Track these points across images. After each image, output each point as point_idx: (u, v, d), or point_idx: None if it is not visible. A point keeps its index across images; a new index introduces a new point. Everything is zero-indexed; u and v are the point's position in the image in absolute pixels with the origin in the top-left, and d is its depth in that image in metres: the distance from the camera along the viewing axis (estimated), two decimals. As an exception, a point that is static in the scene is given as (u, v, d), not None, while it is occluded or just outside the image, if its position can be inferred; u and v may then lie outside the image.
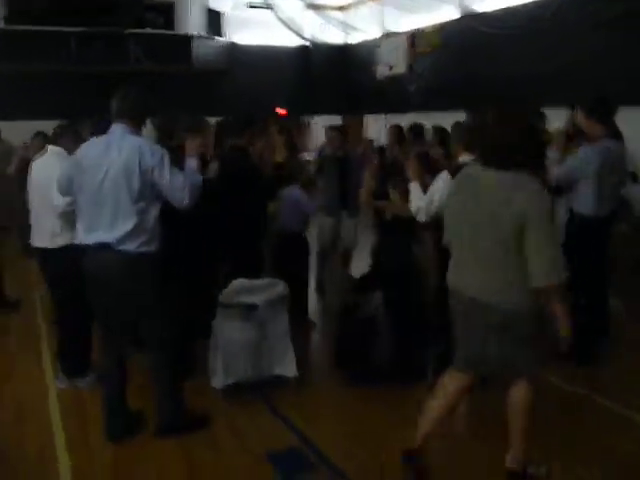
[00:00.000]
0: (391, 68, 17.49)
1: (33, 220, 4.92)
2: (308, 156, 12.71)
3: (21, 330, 6.35)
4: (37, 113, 17.15)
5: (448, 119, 18.07)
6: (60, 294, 4.86)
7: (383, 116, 20.32)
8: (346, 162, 7.09)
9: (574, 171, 5.09)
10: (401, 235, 5.10)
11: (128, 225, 3.83)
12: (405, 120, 18.78)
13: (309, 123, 22.72)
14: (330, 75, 20.90)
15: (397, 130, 8.02)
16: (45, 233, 4.77)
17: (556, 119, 14.39)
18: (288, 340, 4.82)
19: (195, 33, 18.96)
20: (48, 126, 17.95)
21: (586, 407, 4.59)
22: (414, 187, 4.80)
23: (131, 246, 3.86)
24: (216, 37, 19.62)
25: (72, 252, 4.61)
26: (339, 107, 21.26)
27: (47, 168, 4.71)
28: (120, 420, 4.19)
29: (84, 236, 3.98)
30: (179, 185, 3.93)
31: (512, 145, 3.19)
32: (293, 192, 5.82)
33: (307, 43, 21.44)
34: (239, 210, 4.96)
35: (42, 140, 6.67)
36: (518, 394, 3.49)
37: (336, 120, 22.14)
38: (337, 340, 5.18)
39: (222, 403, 4.61)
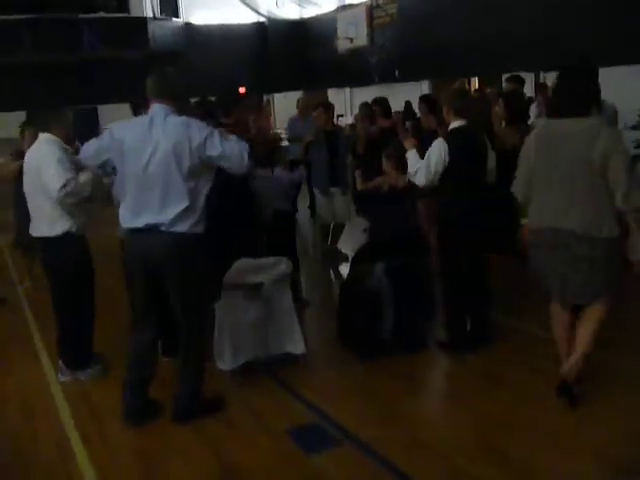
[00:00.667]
0: (352, 41, 17.37)
1: (30, 210, 4.77)
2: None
3: (11, 327, 6.19)
4: (-8, 105, 16.70)
5: (412, 90, 18.21)
6: (60, 284, 4.73)
7: (346, 90, 20.27)
8: (334, 138, 7.22)
9: None
10: (399, 205, 5.08)
11: (181, 205, 3.77)
12: (368, 93, 18.81)
13: (269, 101, 22.53)
14: (288, 51, 20.71)
15: (367, 108, 7.93)
16: (43, 222, 4.64)
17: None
18: (294, 317, 4.78)
19: (150, 15, 18.57)
20: (3, 117, 17.46)
21: None
22: (411, 154, 4.77)
23: (183, 227, 3.80)
24: (172, 18, 19.25)
25: (71, 240, 4.55)
26: (299, 83, 21.10)
27: (41, 156, 4.55)
28: (143, 403, 4.15)
29: (130, 219, 3.89)
30: (236, 151, 3.85)
31: (591, 94, 3.82)
32: (279, 174, 5.69)
33: (263, 19, 21.18)
34: (234, 192, 4.88)
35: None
36: (595, 307, 3.85)
37: (297, 96, 22.05)
38: (341, 314, 5.16)
39: (233, 385, 4.56)
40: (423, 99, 7.86)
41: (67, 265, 4.60)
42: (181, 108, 4.00)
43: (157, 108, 3.88)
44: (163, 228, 3.79)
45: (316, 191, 7.99)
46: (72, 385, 4.79)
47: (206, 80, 19.36)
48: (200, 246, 3.93)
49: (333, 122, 7.70)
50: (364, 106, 8.10)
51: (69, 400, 4.57)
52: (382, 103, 8.51)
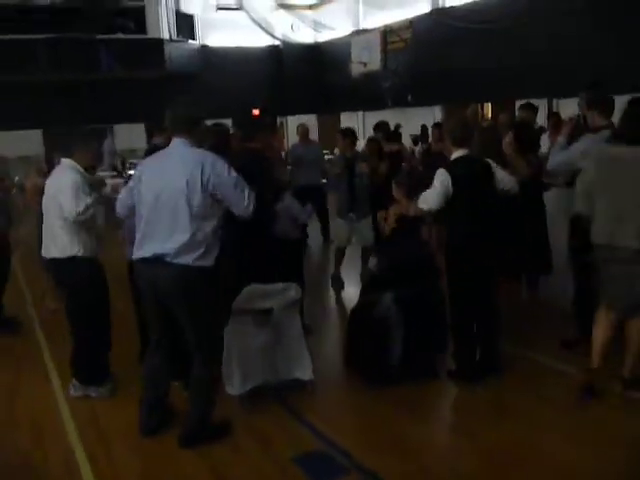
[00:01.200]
0: (365, 65, 17.55)
1: (44, 231, 4.86)
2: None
3: (22, 347, 6.22)
4: (9, 123, 16.94)
5: (425, 114, 18.36)
6: (73, 303, 4.81)
7: (359, 113, 20.42)
8: (354, 165, 7.30)
9: (571, 158, 5.02)
10: (409, 234, 5.11)
11: (184, 237, 3.82)
12: (381, 117, 18.90)
13: (282, 123, 22.69)
14: (302, 74, 20.94)
15: (373, 144, 7.89)
16: (55, 243, 4.72)
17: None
18: (303, 343, 4.80)
19: (167, 37, 18.82)
20: (21, 136, 17.73)
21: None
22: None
23: (187, 259, 3.84)
24: (188, 40, 19.50)
25: (82, 262, 4.64)
26: (312, 106, 21.30)
27: (59, 179, 4.69)
28: (158, 422, 4.26)
29: (139, 248, 3.98)
30: (243, 196, 3.93)
31: None
32: (289, 200, 5.70)
33: (278, 43, 21.42)
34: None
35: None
36: None
37: (310, 119, 22.21)
38: (349, 341, 5.17)
39: (240, 410, 4.57)
40: (436, 126, 7.97)
41: (80, 285, 4.68)
42: (201, 140, 4.10)
43: (176, 142, 3.99)
44: (168, 259, 3.85)
45: (333, 216, 8.05)
46: (81, 405, 4.81)
47: (221, 101, 19.60)
48: (207, 278, 3.96)
49: (353, 148, 7.65)
50: (370, 142, 8.05)
51: (77, 420, 4.58)
52: (383, 127, 8.58)
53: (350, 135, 7.61)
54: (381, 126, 8.72)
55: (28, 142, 17.56)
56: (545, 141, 6.37)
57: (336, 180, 7.63)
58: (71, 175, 4.65)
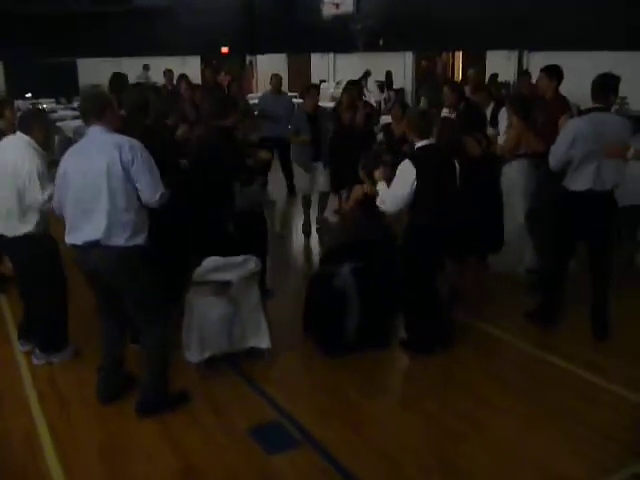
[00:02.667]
0: (337, 7, 17.22)
1: None
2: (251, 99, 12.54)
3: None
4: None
5: (395, 60, 18.15)
6: (26, 280, 4.89)
7: (330, 55, 20.13)
8: (317, 117, 7.79)
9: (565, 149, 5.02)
10: (370, 211, 5.21)
11: (113, 223, 3.91)
12: (351, 59, 18.68)
13: (251, 62, 22.32)
14: (273, 13, 20.49)
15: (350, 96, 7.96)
16: (4, 220, 4.70)
17: (501, 61, 14.60)
18: (261, 313, 4.91)
19: (134, -31, 18.21)
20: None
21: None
22: (381, 186, 4.93)
23: (119, 240, 3.94)
24: (156, -27, 18.87)
25: (33, 241, 4.68)
26: (282, 46, 20.92)
27: (20, 161, 4.57)
28: (116, 381, 4.42)
29: (70, 236, 4.05)
30: (151, 186, 3.99)
31: None
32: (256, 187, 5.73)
33: (249, -22, 20.84)
34: (211, 191, 5.02)
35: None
36: None
37: (280, 59, 21.87)
38: (308, 309, 5.30)
39: (198, 378, 4.71)
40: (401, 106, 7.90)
41: (32, 263, 4.74)
42: (115, 124, 4.15)
43: (92, 130, 4.04)
44: (100, 243, 3.94)
45: (297, 167, 8.38)
46: (42, 371, 4.90)
47: (190, 38, 19.19)
48: (142, 255, 4.07)
49: (318, 105, 8.06)
50: (346, 92, 8.12)
51: (38, 388, 4.68)
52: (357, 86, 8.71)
53: (312, 90, 8.08)
54: (355, 84, 8.86)
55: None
56: (503, 117, 6.35)
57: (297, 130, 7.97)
58: (33, 158, 4.56)
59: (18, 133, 4.73)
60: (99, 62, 16.99)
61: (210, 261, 4.70)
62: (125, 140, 3.98)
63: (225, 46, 20.60)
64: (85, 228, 3.97)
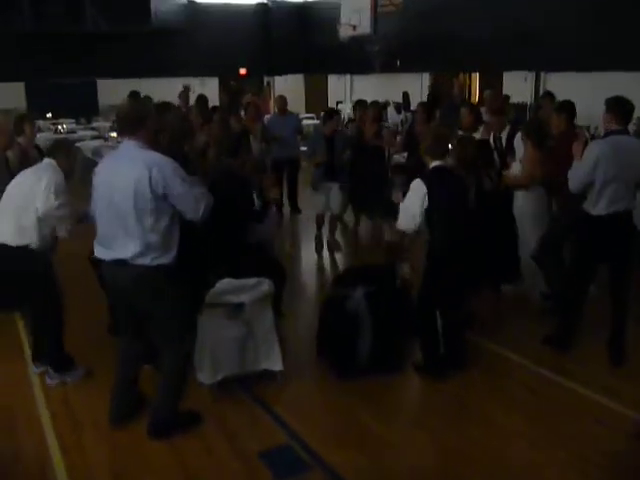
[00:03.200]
0: (355, 28, 17.31)
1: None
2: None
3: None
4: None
5: (411, 80, 18.17)
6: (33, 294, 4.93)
7: (347, 76, 20.24)
8: (334, 139, 8.00)
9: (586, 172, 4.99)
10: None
11: (138, 244, 3.87)
12: (369, 81, 18.76)
13: (269, 83, 22.48)
14: (290, 34, 20.68)
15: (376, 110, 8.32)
16: (9, 228, 4.77)
17: (518, 82, 14.57)
18: (274, 335, 4.91)
19: (153, -9, 18.47)
20: (2, 88, 17.36)
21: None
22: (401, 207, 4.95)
23: (145, 260, 3.91)
24: (175, -5, 19.15)
25: (34, 253, 4.74)
26: (299, 67, 21.09)
27: (39, 176, 4.72)
28: (129, 402, 4.40)
29: (99, 251, 4.08)
30: (191, 200, 3.96)
31: None
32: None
33: (267, 1, 21.06)
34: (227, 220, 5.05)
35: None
36: None
37: (297, 80, 22.03)
38: (321, 332, 5.29)
39: (210, 399, 4.70)
40: (422, 105, 8.06)
41: (34, 275, 4.80)
42: (150, 139, 4.05)
43: (124, 145, 4.00)
44: (128, 262, 3.92)
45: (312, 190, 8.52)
46: (55, 390, 4.92)
47: (207, 59, 19.39)
48: (169, 274, 4.02)
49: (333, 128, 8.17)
50: (373, 107, 8.55)
51: (51, 407, 4.69)
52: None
53: (336, 117, 8.35)
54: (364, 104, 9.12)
55: (10, 95, 17.30)
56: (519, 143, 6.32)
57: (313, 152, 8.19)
58: (54, 174, 4.70)
59: (45, 159, 4.91)
60: (119, 83, 17.21)
61: (224, 283, 4.71)
62: (157, 158, 3.89)
63: (243, 67, 20.79)
64: (113, 246, 3.96)
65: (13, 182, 4.87)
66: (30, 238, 4.71)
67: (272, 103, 17.91)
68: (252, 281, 4.79)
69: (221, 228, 4.83)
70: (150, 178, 3.78)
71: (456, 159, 5.10)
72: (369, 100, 9.36)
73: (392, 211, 5.34)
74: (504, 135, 6.65)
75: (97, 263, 4.30)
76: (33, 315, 5.05)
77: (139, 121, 3.97)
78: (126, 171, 3.86)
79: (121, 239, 3.92)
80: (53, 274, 4.94)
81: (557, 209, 6.09)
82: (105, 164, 4.12)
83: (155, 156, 3.92)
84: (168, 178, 3.83)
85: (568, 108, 6.19)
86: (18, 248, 4.71)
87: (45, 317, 4.91)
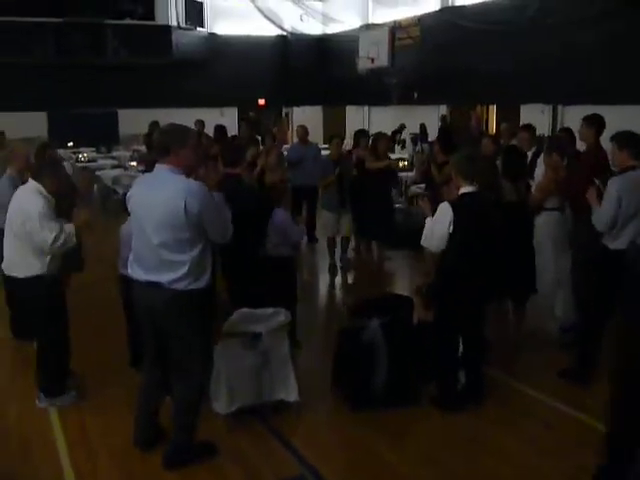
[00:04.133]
0: (373, 61, 17.47)
1: (5, 249, 5.04)
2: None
3: (17, 350, 6.33)
4: (15, 104, 16.98)
5: (429, 113, 18.28)
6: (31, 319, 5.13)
7: (364, 108, 20.40)
8: (342, 165, 8.51)
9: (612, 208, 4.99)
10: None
11: (177, 268, 3.90)
12: (386, 112, 18.88)
13: (287, 114, 22.70)
14: (309, 66, 20.92)
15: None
16: (16, 262, 4.92)
17: (535, 115, 14.61)
18: (290, 366, 4.90)
19: (175, 24, 18.78)
20: (25, 117, 17.74)
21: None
22: (428, 221, 4.98)
23: (181, 285, 3.93)
24: (196, 27, 19.46)
25: (42, 282, 4.85)
26: (317, 98, 21.30)
27: (26, 206, 4.80)
28: (151, 434, 4.39)
29: (134, 271, 4.09)
30: (223, 224, 4.08)
31: None
32: (279, 216, 5.81)
33: (286, 34, 21.36)
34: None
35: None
36: None
37: (316, 111, 22.24)
38: (336, 363, 5.28)
39: (226, 431, 4.68)
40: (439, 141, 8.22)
41: (38, 305, 4.92)
42: (185, 164, 4.00)
43: (158, 169, 3.98)
44: (163, 285, 3.93)
45: (324, 210, 9.01)
46: (71, 417, 4.94)
47: (227, 90, 19.65)
48: (200, 299, 4.05)
49: (341, 153, 8.87)
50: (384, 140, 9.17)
51: (67, 434, 4.71)
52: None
53: (335, 140, 8.97)
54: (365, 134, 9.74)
55: (33, 124, 17.60)
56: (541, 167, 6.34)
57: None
58: (36, 200, 4.76)
59: (30, 180, 4.97)
60: (139, 112, 17.49)
61: (240, 313, 4.73)
62: (192, 185, 3.90)
63: (262, 98, 21.03)
64: (148, 268, 3.97)
65: (10, 209, 4.94)
66: (36, 269, 4.83)
67: (290, 134, 18.10)
68: (269, 311, 4.80)
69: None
70: (185, 205, 3.78)
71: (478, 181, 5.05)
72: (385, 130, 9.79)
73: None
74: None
75: (125, 279, 4.34)
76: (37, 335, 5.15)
77: (167, 145, 3.94)
78: (161, 197, 3.86)
79: (156, 264, 3.93)
80: (61, 302, 5.02)
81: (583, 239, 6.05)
82: (140, 187, 4.12)
83: (190, 183, 3.92)
84: (203, 205, 3.85)
85: (599, 121, 6.22)
86: (26, 279, 4.85)
87: (46, 342, 5.02)
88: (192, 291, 3.97)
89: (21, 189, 5.00)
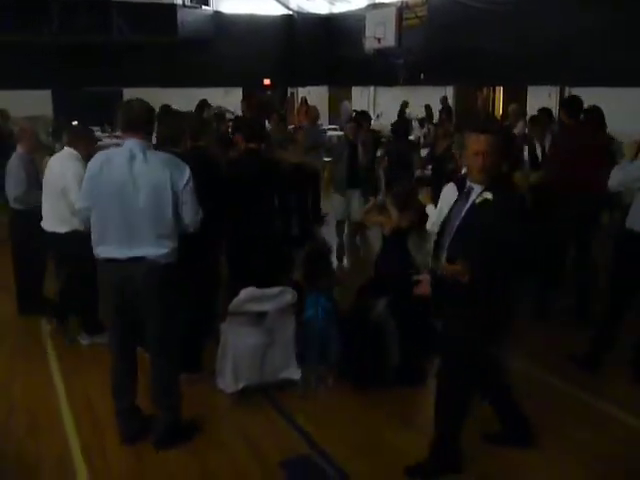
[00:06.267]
0: (379, 41, 17.31)
1: (45, 208, 5.54)
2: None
3: (22, 323, 6.36)
4: (19, 83, 16.91)
5: (436, 93, 18.09)
6: (69, 269, 5.63)
7: (370, 88, 20.27)
8: (355, 146, 8.39)
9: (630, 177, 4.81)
10: (397, 245, 5.23)
11: (165, 240, 3.94)
12: (392, 93, 18.76)
13: (292, 94, 22.57)
14: (315, 45, 20.74)
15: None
16: (56, 219, 5.44)
17: (542, 98, 14.48)
18: (293, 346, 4.91)
19: (180, 2, 18.63)
20: (30, 95, 17.64)
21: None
22: (430, 209, 4.89)
23: (162, 258, 3.95)
24: (201, 6, 19.29)
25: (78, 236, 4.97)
26: (323, 78, 21.16)
27: (64, 170, 5.33)
28: (134, 423, 4.30)
29: (108, 251, 3.95)
30: (194, 212, 4.04)
31: None
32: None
33: (292, 13, 21.18)
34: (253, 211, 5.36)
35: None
36: None
37: (322, 91, 22.10)
38: (344, 345, 5.26)
39: (231, 409, 4.71)
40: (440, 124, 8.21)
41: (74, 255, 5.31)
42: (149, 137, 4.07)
43: (132, 143, 3.91)
44: (146, 259, 3.91)
45: (334, 193, 8.87)
46: (77, 391, 4.99)
47: (232, 69, 19.51)
48: (173, 273, 4.05)
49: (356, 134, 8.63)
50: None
51: (73, 408, 4.74)
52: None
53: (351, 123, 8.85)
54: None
55: (37, 102, 17.51)
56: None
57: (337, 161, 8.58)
58: (74, 165, 5.30)
59: (66, 147, 5.47)
60: (144, 91, 17.36)
61: (247, 292, 4.73)
62: (172, 159, 4.00)
63: (267, 78, 20.90)
64: (130, 243, 3.89)
65: (47, 171, 5.46)
66: (72, 224, 5.19)
67: (295, 113, 18.00)
68: (275, 290, 4.80)
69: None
70: (171, 180, 3.88)
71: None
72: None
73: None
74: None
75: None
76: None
77: (141, 122, 3.94)
78: (144, 171, 3.86)
79: (140, 237, 3.88)
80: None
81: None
82: (112, 163, 3.92)
83: (171, 158, 4.01)
84: (183, 179, 3.94)
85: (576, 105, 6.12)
86: (67, 234, 5.36)
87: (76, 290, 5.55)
88: (169, 264, 4.00)
89: (58, 155, 5.58)
